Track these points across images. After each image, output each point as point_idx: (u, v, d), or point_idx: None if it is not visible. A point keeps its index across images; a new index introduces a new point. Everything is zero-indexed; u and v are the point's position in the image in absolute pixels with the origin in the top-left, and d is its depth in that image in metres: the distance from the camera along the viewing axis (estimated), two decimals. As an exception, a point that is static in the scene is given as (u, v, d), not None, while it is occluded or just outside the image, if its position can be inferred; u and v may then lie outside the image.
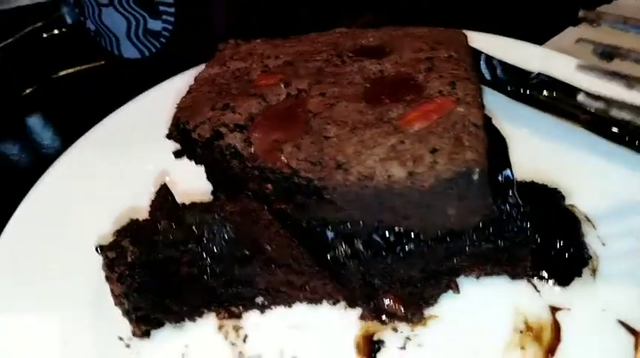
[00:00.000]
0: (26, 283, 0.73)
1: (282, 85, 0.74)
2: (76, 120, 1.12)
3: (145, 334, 0.72)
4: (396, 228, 0.66)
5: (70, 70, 1.19)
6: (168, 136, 0.75)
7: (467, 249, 0.68)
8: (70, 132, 1.04)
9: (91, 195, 0.81)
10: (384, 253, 0.67)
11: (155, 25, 1.03)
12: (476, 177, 0.59)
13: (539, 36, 1.15)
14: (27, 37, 1.24)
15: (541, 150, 0.87)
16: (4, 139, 1.12)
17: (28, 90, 1.18)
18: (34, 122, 1.15)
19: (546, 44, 1.14)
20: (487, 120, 0.79)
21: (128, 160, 0.85)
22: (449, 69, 0.71)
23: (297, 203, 0.67)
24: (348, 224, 0.66)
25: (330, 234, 0.68)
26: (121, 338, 0.72)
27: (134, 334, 0.72)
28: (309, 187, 0.64)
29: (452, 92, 0.67)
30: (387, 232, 0.66)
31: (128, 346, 0.72)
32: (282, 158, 0.65)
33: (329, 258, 0.69)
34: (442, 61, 0.73)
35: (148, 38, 1.05)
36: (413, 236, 0.66)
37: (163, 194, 0.71)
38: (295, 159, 0.64)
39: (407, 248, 0.66)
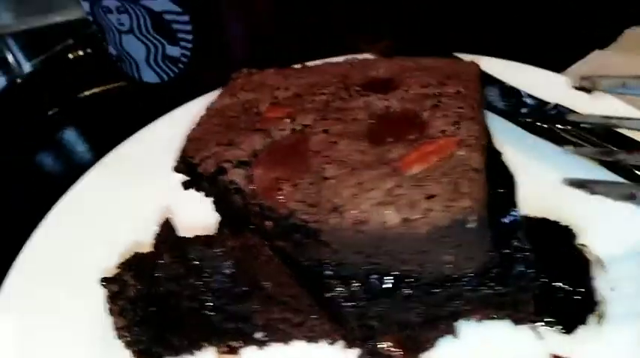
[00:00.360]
0: (34, 311, 0.75)
1: (288, 120, 0.74)
2: (99, 140, 1.17)
3: (146, 365, 0.73)
4: (393, 272, 0.65)
5: (95, 90, 1.22)
6: (176, 169, 0.77)
7: (466, 294, 0.66)
8: (94, 151, 1.09)
9: (100, 227, 0.82)
10: (380, 296, 0.66)
11: (173, 51, 1.05)
12: (472, 225, 0.57)
13: (561, 61, 1.12)
14: (55, 56, 1.28)
15: (555, 185, 0.84)
16: (31, 155, 1.16)
17: (53, 110, 1.21)
18: (59, 141, 1.19)
19: (569, 70, 1.11)
20: (496, 155, 0.78)
21: (137, 192, 0.86)
22: (455, 106, 0.70)
23: (296, 242, 0.67)
24: (345, 266, 0.66)
25: (327, 275, 0.67)
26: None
27: (136, 366, 0.73)
28: (305, 228, 0.64)
29: (455, 132, 0.66)
30: (384, 275, 0.65)
31: (130, 376, 0.73)
32: (280, 198, 0.65)
33: (326, 298, 0.68)
34: (449, 97, 0.72)
35: (166, 64, 1.07)
36: (410, 280, 0.65)
37: (167, 228, 0.72)
38: (292, 199, 0.64)
39: (404, 292, 0.65)
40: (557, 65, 1.12)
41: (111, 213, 0.84)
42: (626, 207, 0.78)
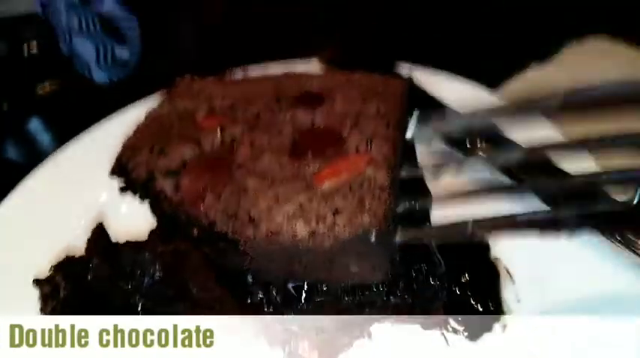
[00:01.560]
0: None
1: (219, 131, 0.78)
2: (50, 136, 1.19)
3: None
4: (307, 280, 0.69)
5: (47, 89, 1.24)
6: (112, 173, 0.80)
7: (377, 302, 0.71)
8: (43, 148, 1.11)
9: (37, 230, 0.85)
10: (296, 302, 0.71)
11: (122, 53, 1.07)
12: (372, 239, 0.62)
13: (502, 72, 1.16)
14: (7, 50, 1.29)
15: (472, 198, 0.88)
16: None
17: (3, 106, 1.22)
18: (10, 136, 1.20)
19: (504, 87, 1.15)
20: (412, 153, 0.82)
21: (75, 197, 0.89)
22: (372, 125, 0.74)
23: (220, 249, 0.71)
24: (264, 273, 0.70)
25: (249, 281, 0.72)
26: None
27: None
28: (226, 237, 0.68)
29: (368, 150, 0.70)
30: (299, 283, 0.70)
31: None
32: (202, 208, 0.69)
33: (248, 302, 0.72)
34: (368, 116, 0.76)
35: (116, 65, 1.09)
36: (322, 288, 0.69)
37: (98, 233, 0.75)
38: (214, 209, 0.68)
39: (317, 299, 0.70)
40: (498, 75, 1.16)
41: (47, 218, 0.87)
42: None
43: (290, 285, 0.71)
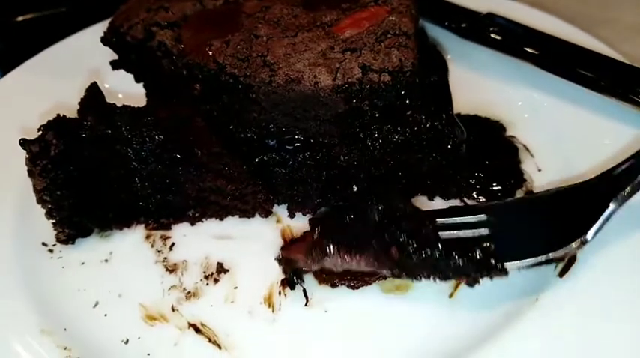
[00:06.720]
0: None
1: (222, -8, 0.73)
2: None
3: (69, 239, 0.70)
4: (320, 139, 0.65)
5: (31, 15, 1.15)
6: (103, 41, 0.74)
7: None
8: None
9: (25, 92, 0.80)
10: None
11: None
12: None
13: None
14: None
15: (487, 86, 0.86)
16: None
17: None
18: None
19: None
20: (422, 34, 0.79)
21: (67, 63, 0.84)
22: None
23: (224, 104, 0.66)
24: (272, 128, 0.65)
25: (256, 137, 0.67)
26: (44, 244, 0.70)
27: (58, 239, 0.70)
28: (235, 85, 0.63)
29: (387, 1, 0.67)
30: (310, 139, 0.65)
31: (51, 251, 0.70)
32: (210, 53, 0.64)
33: (256, 161, 0.67)
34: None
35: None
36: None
37: (93, 92, 0.69)
38: (223, 54, 0.63)
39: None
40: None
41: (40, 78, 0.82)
42: (555, 104, 0.81)
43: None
